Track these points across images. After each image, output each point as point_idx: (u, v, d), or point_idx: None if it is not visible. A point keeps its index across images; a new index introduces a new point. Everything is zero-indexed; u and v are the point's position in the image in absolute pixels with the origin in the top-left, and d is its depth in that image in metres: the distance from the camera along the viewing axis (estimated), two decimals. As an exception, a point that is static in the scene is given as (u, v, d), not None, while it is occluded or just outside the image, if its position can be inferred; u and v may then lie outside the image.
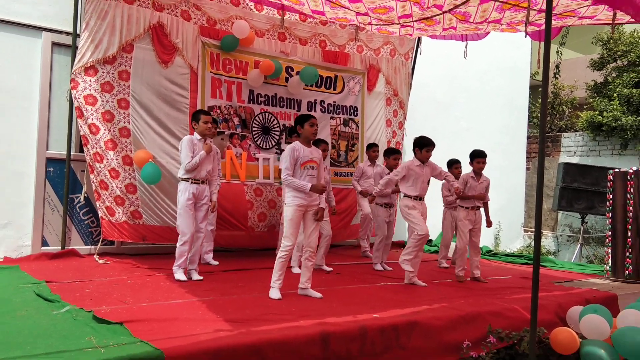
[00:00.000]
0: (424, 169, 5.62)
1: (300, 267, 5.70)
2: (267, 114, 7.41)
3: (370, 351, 3.57)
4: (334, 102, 8.01)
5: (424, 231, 5.44)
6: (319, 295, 4.62)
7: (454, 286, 5.56)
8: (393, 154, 6.60)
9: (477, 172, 6.02)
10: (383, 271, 6.29)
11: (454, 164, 6.67)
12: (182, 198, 5.17)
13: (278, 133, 7.50)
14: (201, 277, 5.21)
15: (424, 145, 5.58)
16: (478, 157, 6.00)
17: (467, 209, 5.98)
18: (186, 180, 5.20)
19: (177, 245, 5.15)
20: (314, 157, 4.74)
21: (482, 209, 6.11)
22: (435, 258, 7.26)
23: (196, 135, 5.28)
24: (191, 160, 5.11)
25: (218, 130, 6.07)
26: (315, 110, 7.78)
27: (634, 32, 11.40)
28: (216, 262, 6.12)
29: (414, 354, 3.75)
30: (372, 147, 7.15)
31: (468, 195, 5.89)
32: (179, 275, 5.08)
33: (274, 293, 4.52)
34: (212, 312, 3.87)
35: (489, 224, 6.10)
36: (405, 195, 5.64)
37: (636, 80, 11.02)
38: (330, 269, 6.05)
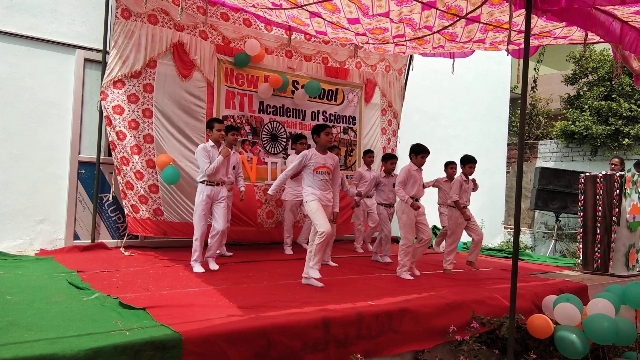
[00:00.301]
0: (419, 173, 5.56)
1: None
2: (275, 123, 7.41)
3: (366, 334, 3.57)
4: (335, 112, 8.01)
5: (407, 242, 5.35)
6: (320, 284, 4.62)
7: (441, 277, 5.55)
8: (390, 158, 6.52)
9: (467, 175, 5.95)
10: (382, 263, 6.20)
11: (449, 165, 6.55)
12: (198, 199, 5.15)
13: (285, 140, 7.50)
14: (217, 267, 5.19)
15: (419, 152, 5.51)
16: (470, 162, 5.90)
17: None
18: (202, 182, 5.17)
19: (193, 240, 5.16)
20: (327, 164, 4.69)
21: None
22: (429, 252, 7.20)
23: (210, 143, 5.24)
24: (209, 166, 5.09)
25: (234, 135, 5.97)
26: (318, 120, 7.79)
27: (603, 50, 11.38)
28: (230, 254, 6.09)
29: (405, 337, 3.75)
30: (368, 153, 7.13)
31: (459, 205, 5.82)
32: (197, 268, 5.05)
33: (314, 273, 4.53)
34: (225, 299, 3.87)
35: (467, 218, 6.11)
36: None
37: (605, 93, 10.99)
38: (335, 264, 5.94)
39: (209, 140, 5.28)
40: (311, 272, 4.56)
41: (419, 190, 5.56)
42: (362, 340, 3.54)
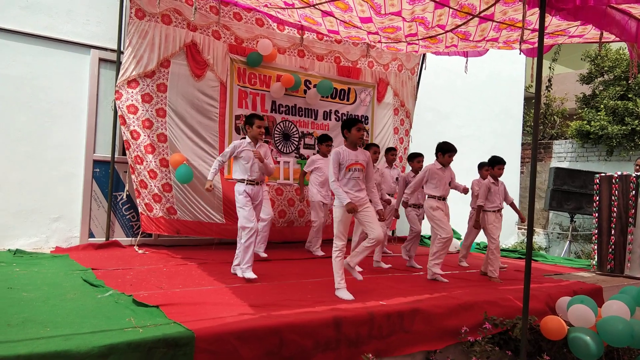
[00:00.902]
0: (445, 172, 5.42)
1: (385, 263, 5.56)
2: (287, 122, 7.43)
3: (377, 334, 3.57)
4: (347, 111, 8.00)
5: (447, 234, 5.20)
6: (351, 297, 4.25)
7: (453, 277, 5.52)
8: (416, 157, 6.40)
9: (495, 177, 5.80)
10: (414, 268, 5.99)
11: (483, 167, 6.32)
12: (240, 197, 4.78)
13: (297, 139, 7.51)
14: (255, 276, 4.65)
15: (446, 150, 5.37)
16: (499, 163, 5.78)
17: (494, 212, 5.74)
18: (241, 181, 4.82)
19: (242, 241, 4.68)
20: (359, 160, 4.36)
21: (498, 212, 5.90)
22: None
23: (247, 139, 4.89)
24: (216, 162, 4.92)
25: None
26: (330, 119, 7.79)
27: (619, 49, 11.23)
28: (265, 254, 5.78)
29: (417, 337, 3.74)
30: (390, 151, 6.87)
31: (479, 210, 5.70)
32: (249, 274, 4.58)
33: (343, 294, 4.14)
34: (237, 298, 3.89)
35: (523, 219, 6.02)
36: (430, 196, 5.41)
37: (621, 93, 10.85)
38: (388, 265, 5.62)
39: (246, 137, 4.94)
40: (340, 293, 4.17)
41: (445, 190, 5.42)
42: (373, 340, 3.53)
